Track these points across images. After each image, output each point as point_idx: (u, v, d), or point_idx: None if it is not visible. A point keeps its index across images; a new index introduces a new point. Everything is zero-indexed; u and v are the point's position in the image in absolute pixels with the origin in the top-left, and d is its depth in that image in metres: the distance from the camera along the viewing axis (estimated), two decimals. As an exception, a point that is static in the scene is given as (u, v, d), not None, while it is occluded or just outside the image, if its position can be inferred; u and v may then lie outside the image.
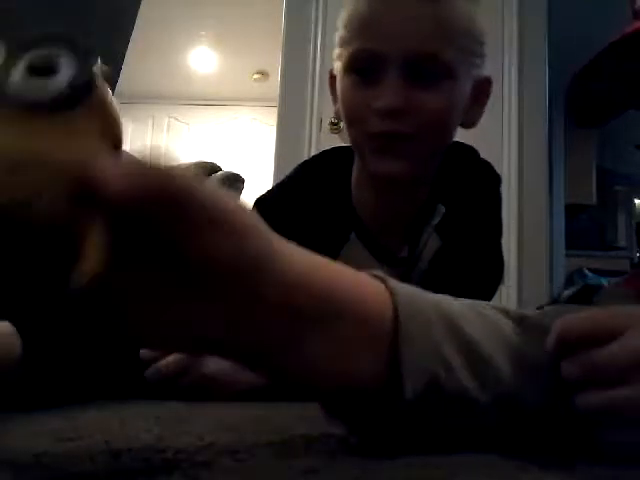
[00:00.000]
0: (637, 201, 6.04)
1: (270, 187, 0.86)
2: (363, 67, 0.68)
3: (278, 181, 0.84)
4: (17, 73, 0.23)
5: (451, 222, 0.76)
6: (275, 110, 2.61)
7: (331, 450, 0.36)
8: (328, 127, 2.45)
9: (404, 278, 0.77)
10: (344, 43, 0.70)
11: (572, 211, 4.69)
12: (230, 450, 0.36)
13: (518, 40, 2.54)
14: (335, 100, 0.77)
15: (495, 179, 0.81)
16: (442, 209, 0.76)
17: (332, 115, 2.43)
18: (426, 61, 0.66)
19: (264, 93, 5.03)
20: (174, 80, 5.19)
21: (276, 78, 2.64)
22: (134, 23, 1.11)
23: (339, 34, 0.71)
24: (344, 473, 0.31)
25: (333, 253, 0.75)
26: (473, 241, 0.75)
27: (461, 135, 0.82)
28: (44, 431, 0.40)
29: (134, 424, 0.44)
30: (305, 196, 0.78)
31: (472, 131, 0.83)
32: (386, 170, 0.69)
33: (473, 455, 0.34)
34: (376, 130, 0.67)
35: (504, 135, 2.49)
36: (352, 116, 0.70)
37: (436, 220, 0.76)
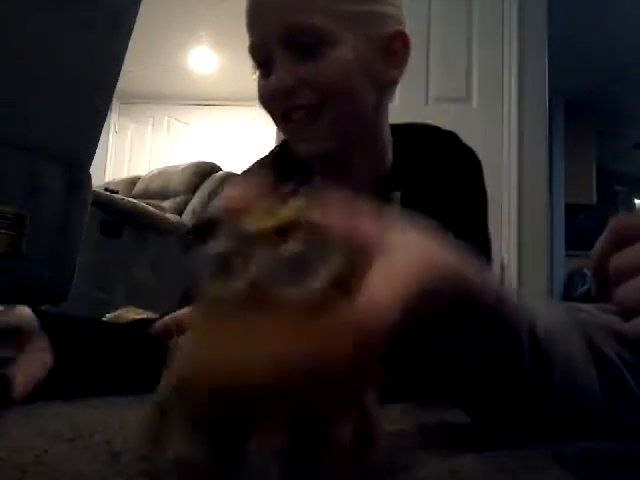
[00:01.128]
0: (637, 201, 6.04)
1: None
2: (259, 62, 0.72)
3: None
4: None
5: (412, 209, 0.74)
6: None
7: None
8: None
9: None
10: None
11: (572, 211, 4.70)
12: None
13: (518, 40, 2.54)
14: None
15: (473, 163, 0.78)
16: (397, 195, 0.74)
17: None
18: (300, 34, 0.68)
19: (264, 93, 5.03)
20: (174, 80, 5.19)
21: (276, 78, 2.64)
22: (134, 23, 1.11)
23: None
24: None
25: None
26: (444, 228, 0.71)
27: (460, 134, 0.82)
28: (44, 431, 0.40)
29: (134, 424, 0.44)
30: (264, 161, 0.84)
31: (472, 131, 0.82)
32: (306, 150, 0.70)
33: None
34: (280, 111, 0.70)
35: (504, 135, 2.48)
36: (264, 105, 0.73)
37: (393, 206, 0.74)
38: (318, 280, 0.22)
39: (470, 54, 2.49)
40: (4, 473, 0.29)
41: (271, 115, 0.73)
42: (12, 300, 0.85)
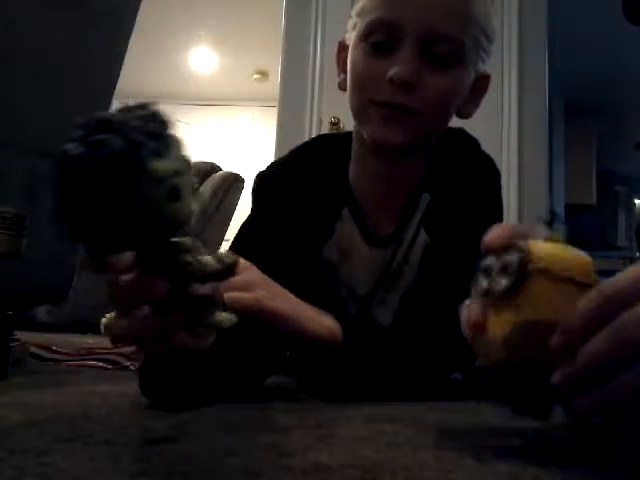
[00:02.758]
0: (637, 201, 6.04)
1: (271, 162, 0.87)
2: (379, 39, 0.69)
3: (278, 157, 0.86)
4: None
5: (438, 215, 0.76)
6: (275, 110, 2.61)
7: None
8: (328, 127, 2.45)
9: (387, 264, 0.77)
10: (363, 12, 0.71)
11: (572, 211, 4.69)
12: (230, 450, 0.36)
13: (518, 40, 2.54)
14: (341, 71, 0.78)
15: (493, 174, 0.80)
16: (427, 197, 0.77)
17: (332, 115, 2.43)
18: (442, 42, 0.67)
19: (264, 93, 5.03)
20: (174, 80, 5.19)
21: (276, 78, 2.64)
22: (134, 23, 1.11)
23: (359, 4, 0.72)
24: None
25: (327, 227, 0.77)
26: (464, 238, 0.69)
27: (461, 135, 0.82)
28: (44, 431, 0.40)
29: (134, 424, 0.44)
30: (304, 173, 0.79)
31: (472, 131, 0.83)
32: (386, 137, 0.70)
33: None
34: (384, 99, 0.68)
35: (504, 135, 2.48)
36: (361, 82, 0.71)
37: (422, 208, 0.76)
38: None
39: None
40: (4, 473, 0.29)
41: (359, 90, 0.71)
42: (12, 300, 0.85)
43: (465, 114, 0.76)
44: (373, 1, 0.70)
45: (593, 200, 5.05)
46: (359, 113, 0.73)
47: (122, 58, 1.11)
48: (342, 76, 0.77)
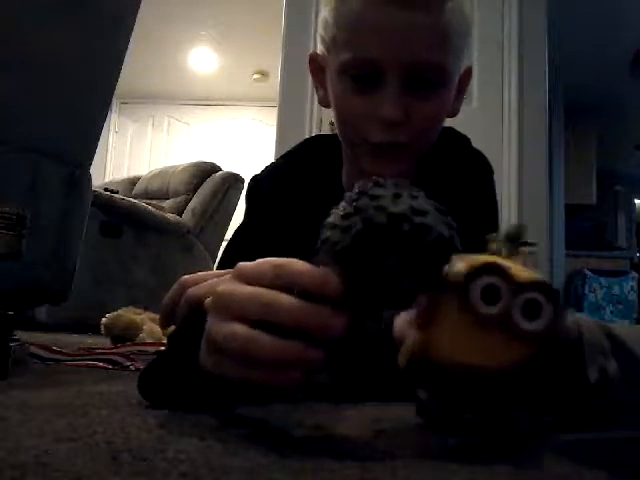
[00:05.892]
0: (637, 201, 6.04)
1: (266, 166, 0.86)
2: (360, 72, 0.66)
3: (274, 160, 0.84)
4: (516, 312, 0.33)
5: None
6: (275, 110, 2.61)
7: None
8: (328, 127, 2.45)
9: None
10: (338, 44, 0.67)
11: (572, 211, 4.70)
12: (230, 450, 0.36)
13: (518, 40, 2.54)
14: (319, 86, 0.75)
15: (485, 170, 0.79)
16: None
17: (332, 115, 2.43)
18: (427, 71, 0.65)
19: (264, 93, 5.03)
20: (174, 80, 5.19)
21: (276, 78, 2.64)
22: (134, 23, 1.11)
23: (330, 29, 0.68)
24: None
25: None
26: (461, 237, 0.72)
27: (461, 135, 0.82)
28: (44, 431, 0.40)
29: (134, 424, 0.44)
30: (297, 178, 0.78)
31: (472, 131, 0.82)
32: (380, 170, 0.69)
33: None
34: (375, 140, 0.67)
35: (504, 135, 2.49)
36: (349, 122, 0.70)
37: None
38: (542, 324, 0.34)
39: (470, 55, 2.49)
40: (4, 473, 0.29)
41: (346, 127, 0.70)
42: (12, 300, 0.85)
43: (453, 114, 0.74)
44: (346, 34, 0.66)
45: (593, 200, 5.05)
46: (349, 146, 0.73)
47: (122, 58, 1.11)
48: (321, 92, 0.75)
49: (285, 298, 0.36)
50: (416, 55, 0.63)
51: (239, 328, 0.36)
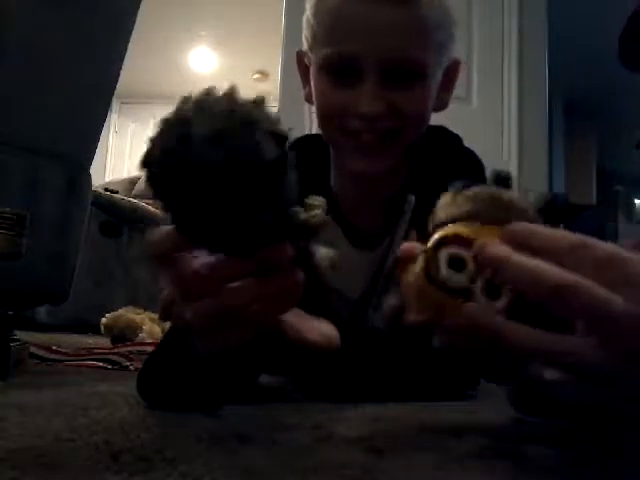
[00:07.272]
0: (637, 201, 6.04)
1: None
2: (340, 69, 0.67)
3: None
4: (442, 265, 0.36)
5: (427, 214, 0.75)
6: (275, 110, 2.61)
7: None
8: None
9: (380, 266, 0.75)
10: (318, 40, 0.69)
11: (572, 211, 4.69)
12: (230, 450, 0.36)
13: (518, 40, 2.54)
14: (305, 83, 0.76)
15: (477, 168, 0.79)
16: (412, 199, 0.76)
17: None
18: (404, 64, 0.66)
19: (264, 93, 5.02)
20: (174, 80, 5.18)
21: (276, 78, 2.64)
22: (134, 22, 1.11)
23: (311, 26, 0.70)
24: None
25: None
26: None
27: (460, 134, 0.82)
28: (44, 431, 0.40)
29: (134, 424, 0.44)
30: None
31: (472, 131, 0.83)
32: (363, 168, 0.70)
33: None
34: (356, 129, 0.67)
35: (504, 135, 2.49)
36: (329, 115, 0.70)
37: (409, 208, 0.75)
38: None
39: (470, 54, 2.49)
40: (4, 473, 0.29)
41: (327, 123, 0.71)
42: (12, 300, 0.85)
43: (441, 107, 0.75)
44: (325, 30, 0.68)
45: (593, 200, 5.05)
46: (331, 142, 0.73)
47: (122, 58, 1.11)
48: (307, 89, 0.76)
49: None
50: (393, 50, 0.65)
51: None
